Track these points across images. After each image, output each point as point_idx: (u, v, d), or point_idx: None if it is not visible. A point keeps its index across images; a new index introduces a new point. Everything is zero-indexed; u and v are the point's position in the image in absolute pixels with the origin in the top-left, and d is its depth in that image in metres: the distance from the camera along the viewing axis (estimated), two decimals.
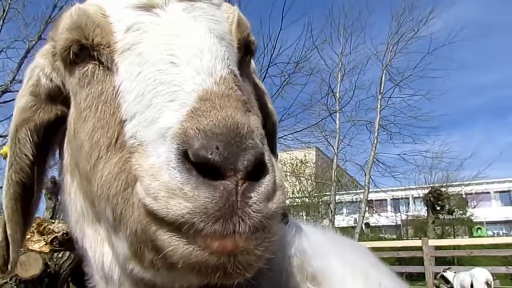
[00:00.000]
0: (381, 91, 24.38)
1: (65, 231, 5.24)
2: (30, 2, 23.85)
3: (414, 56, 24.73)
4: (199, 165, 0.66)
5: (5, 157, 1.15)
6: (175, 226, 0.68)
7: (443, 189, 28.36)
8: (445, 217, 29.24)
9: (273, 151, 1.18)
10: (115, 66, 0.92)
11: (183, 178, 0.67)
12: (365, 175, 24.00)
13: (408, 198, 39.60)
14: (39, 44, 23.41)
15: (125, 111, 0.85)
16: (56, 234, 5.13)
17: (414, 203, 37.93)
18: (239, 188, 0.66)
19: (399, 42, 24.26)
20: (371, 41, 28.00)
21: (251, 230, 0.67)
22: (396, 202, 40.29)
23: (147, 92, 0.82)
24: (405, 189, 33.90)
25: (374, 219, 34.82)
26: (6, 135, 22.66)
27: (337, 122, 24.07)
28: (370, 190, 24.61)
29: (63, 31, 0.99)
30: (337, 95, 23.90)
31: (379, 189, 26.97)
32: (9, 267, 1.10)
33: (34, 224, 5.24)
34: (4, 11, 22.26)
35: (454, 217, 30.58)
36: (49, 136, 1.14)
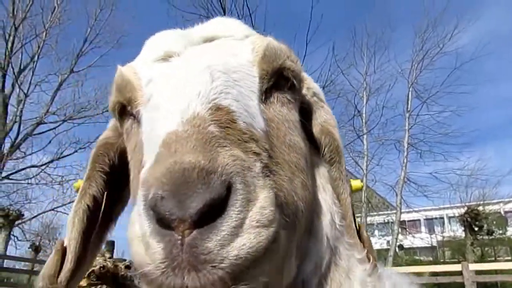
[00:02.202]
0: (409, 109, 23.97)
1: (102, 265, 5.29)
2: (63, 38, 24.88)
3: (440, 72, 24.38)
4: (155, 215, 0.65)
5: (77, 190, 1.21)
6: (145, 279, 0.67)
7: (480, 208, 27.30)
8: (484, 237, 28.04)
9: (341, 177, 1.15)
10: (140, 120, 0.97)
11: (146, 225, 0.66)
12: (396, 195, 23.44)
13: (442, 218, 38.35)
14: (71, 77, 24.40)
15: (142, 161, 0.88)
16: (93, 268, 5.18)
17: (450, 223, 36.66)
18: (185, 238, 0.62)
19: (424, 59, 23.94)
20: (395, 59, 27.73)
21: (202, 284, 0.62)
22: (430, 222, 39.02)
23: (146, 141, 0.88)
24: (439, 209, 32.89)
25: (408, 241, 33.79)
26: (41, 165, 23.53)
27: (365, 142, 23.74)
28: (402, 210, 23.97)
29: (111, 94, 1.08)
30: (364, 115, 23.66)
31: (411, 209, 26.25)
32: (61, 278, 1.09)
33: None
34: (39, 47, 23.36)
35: (494, 237, 29.30)
36: (123, 166, 1.18)
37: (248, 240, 0.64)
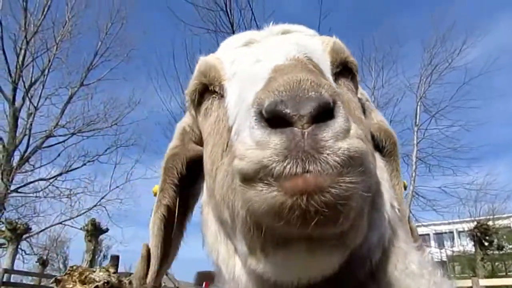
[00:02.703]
0: (417, 123, 23.77)
1: (106, 280, 5.29)
2: (73, 51, 25.22)
3: (449, 87, 24.16)
4: (271, 120, 0.72)
5: (154, 194, 1.36)
6: (257, 178, 0.72)
7: (490, 223, 26.93)
8: (494, 252, 27.61)
9: (397, 169, 1.29)
10: (225, 92, 1.10)
11: (259, 133, 0.73)
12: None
13: (452, 233, 37.86)
14: (81, 90, 24.70)
15: (231, 118, 0.98)
16: (97, 284, 5.18)
17: (459, 237, 36.17)
18: (305, 130, 0.70)
19: (433, 74, 23.74)
20: (403, 73, 27.67)
21: (322, 168, 0.68)
22: (439, 237, 38.56)
23: (241, 92, 0.96)
24: (448, 223, 32.49)
25: None
26: (50, 178, 23.68)
27: None
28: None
29: (191, 81, 1.22)
30: None
31: (420, 224, 25.95)
32: (149, 278, 1.24)
33: (76, 273, 5.32)
34: (49, 61, 23.68)
35: (504, 252, 28.83)
36: (192, 172, 1.30)
37: (355, 142, 0.72)
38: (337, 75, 1.15)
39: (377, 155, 1.21)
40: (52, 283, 5.54)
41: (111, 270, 5.78)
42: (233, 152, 0.83)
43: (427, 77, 23.86)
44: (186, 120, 1.41)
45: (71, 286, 5.20)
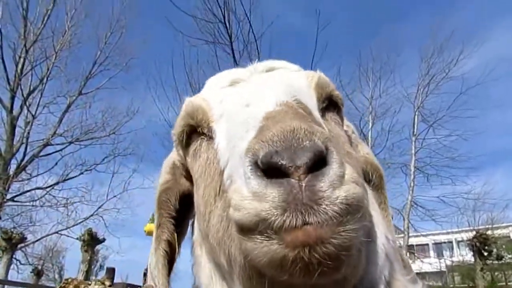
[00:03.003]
0: (415, 133, 23.84)
1: None
2: (72, 60, 25.29)
3: (446, 97, 24.18)
4: (267, 170, 0.73)
5: (148, 234, 1.27)
6: (256, 230, 0.72)
7: (489, 232, 26.81)
8: (494, 262, 27.44)
9: (385, 202, 1.30)
10: (214, 133, 1.09)
11: (256, 184, 0.74)
12: (404, 219, 23.11)
13: (451, 242, 37.69)
14: (79, 99, 24.72)
15: (222, 160, 0.99)
16: None
17: (459, 247, 36.00)
18: (302, 181, 0.70)
19: (430, 84, 23.84)
20: (401, 83, 27.73)
21: (322, 219, 0.69)
22: (438, 246, 38.36)
23: (232, 137, 0.96)
24: (447, 233, 32.34)
25: (417, 265, 33.14)
26: (47, 187, 23.58)
27: None
28: (410, 234, 23.60)
29: (178, 121, 1.21)
30: (370, 139, 23.58)
31: (419, 234, 25.84)
32: None
33: (71, 286, 5.24)
34: (48, 69, 23.74)
35: (503, 262, 28.67)
36: (185, 205, 1.31)
37: (351, 188, 0.72)
38: (323, 110, 1.17)
39: (367, 188, 1.22)
40: None
41: (107, 283, 5.71)
42: (228, 200, 0.84)
43: (424, 87, 23.98)
44: (174, 157, 1.39)
45: None
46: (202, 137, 1.14)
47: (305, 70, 1.30)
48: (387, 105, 24.20)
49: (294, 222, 0.69)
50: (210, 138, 1.11)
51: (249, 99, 1.01)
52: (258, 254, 0.72)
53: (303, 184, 0.70)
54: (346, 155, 1.00)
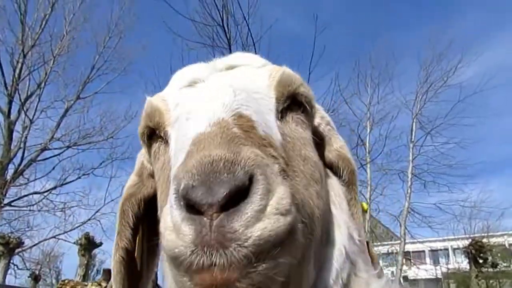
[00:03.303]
0: (412, 139, 24.00)
1: None
2: (71, 65, 25.23)
3: (444, 104, 24.39)
4: (185, 204, 0.72)
5: None
6: (176, 262, 0.73)
7: (484, 240, 26.94)
8: (489, 270, 27.53)
9: (355, 198, 1.25)
10: (169, 138, 1.07)
11: (176, 214, 0.73)
12: (400, 225, 23.17)
13: (447, 250, 37.76)
14: (77, 103, 24.69)
15: (169, 177, 0.97)
16: None
17: (454, 254, 36.07)
18: (213, 221, 0.69)
19: (429, 91, 24.08)
20: (399, 90, 27.91)
21: (229, 261, 0.68)
22: (435, 254, 38.43)
23: (175, 150, 0.96)
24: (443, 240, 32.42)
25: (413, 272, 33.18)
26: (45, 192, 23.49)
27: (368, 172, 23.64)
28: (407, 241, 23.65)
29: (140, 121, 1.19)
30: (367, 145, 23.69)
31: (415, 240, 25.90)
32: None
33: (67, 287, 5.26)
34: (46, 74, 23.69)
35: (498, 270, 28.76)
36: (151, 210, 1.26)
37: (269, 224, 0.70)
38: (285, 110, 1.11)
39: (337, 182, 1.24)
40: None
41: (103, 284, 5.72)
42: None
43: (422, 94, 24.22)
44: (144, 154, 1.35)
45: None
46: (160, 140, 1.13)
47: (272, 65, 1.23)
48: (385, 111, 24.39)
49: (201, 264, 0.68)
50: (166, 142, 1.09)
51: (190, 112, 0.98)
52: (177, 284, 0.76)
53: (214, 224, 0.68)
54: (291, 168, 0.94)
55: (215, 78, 1.13)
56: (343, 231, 1.11)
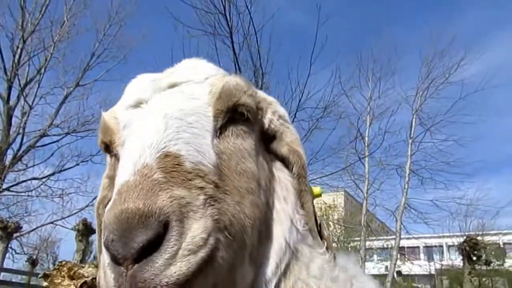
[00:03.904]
0: (412, 135, 24.03)
1: (94, 276, 5.32)
2: (71, 51, 25.19)
3: (445, 101, 24.38)
4: None
5: None
6: None
7: (479, 238, 27.09)
8: (482, 267, 27.69)
9: (305, 189, 1.32)
10: (120, 158, 1.12)
11: (105, 258, 0.84)
12: (396, 221, 23.30)
13: (442, 246, 37.99)
14: (77, 90, 24.72)
15: None
16: (86, 279, 5.21)
17: (449, 251, 36.29)
18: (128, 271, 0.79)
19: (430, 87, 24.01)
20: (400, 85, 27.88)
21: None
22: (429, 250, 38.69)
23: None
24: (438, 237, 32.60)
25: (407, 267, 33.40)
26: (43, 178, 23.59)
27: (366, 166, 23.72)
28: (402, 236, 23.79)
29: (98, 133, 1.27)
30: (366, 139, 23.75)
31: (411, 236, 26.06)
32: None
33: (64, 269, 5.35)
34: (46, 60, 23.68)
35: (491, 268, 28.95)
36: None
37: (178, 268, 0.80)
38: (224, 125, 1.15)
39: (287, 176, 1.33)
40: (40, 277, 5.56)
41: None
42: None
43: (423, 90, 24.15)
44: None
45: (59, 281, 5.24)
46: (114, 156, 1.22)
47: (215, 78, 1.24)
48: (386, 106, 24.33)
49: None
50: (118, 160, 1.15)
51: (126, 149, 1.06)
52: None
53: (128, 274, 0.79)
54: (223, 189, 1.01)
55: (155, 102, 1.16)
56: (285, 225, 1.20)
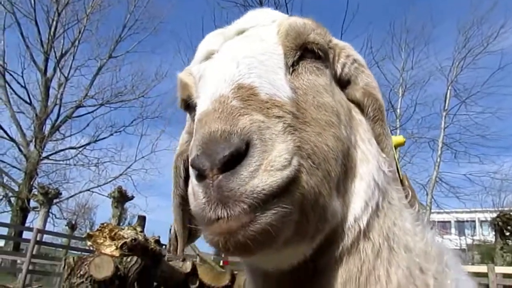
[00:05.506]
0: (446, 108, 23.35)
1: (133, 237, 5.60)
2: (103, 24, 25.57)
3: (482, 72, 23.55)
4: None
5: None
6: (197, 220, 0.90)
7: None
8: None
9: (383, 133, 1.30)
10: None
11: (193, 181, 0.89)
12: (427, 194, 23.04)
13: (474, 221, 37.34)
14: (109, 62, 25.18)
15: None
16: (126, 240, 5.49)
17: (481, 226, 35.66)
18: (214, 182, 0.82)
19: (467, 57, 23.11)
20: (435, 56, 26.97)
21: (229, 214, 0.82)
22: (461, 225, 38.10)
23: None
24: (470, 212, 32.01)
25: None
26: (79, 147, 24.47)
27: None
28: (432, 210, 23.55)
29: (177, 93, 1.33)
30: (398, 111, 23.29)
31: (442, 210, 25.73)
32: (178, 252, 1.49)
33: (106, 230, 5.66)
34: (80, 32, 24.14)
35: None
36: None
37: (262, 181, 0.83)
38: (296, 62, 1.16)
39: (364, 120, 1.30)
40: (84, 237, 5.90)
41: (138, 228, 6.09)
42: None
43: (460, 60, 23.28)
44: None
45: (101, 241, 5.56)
46: (193, 109, 1.22)
47: (280, 19, 1.26)
48: (419, 77, 23.76)
49: (210, 218, 0.83)
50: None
51: (202, 90, 1.10)
52: (204, 237, 0.91)
53: (214, 185, 0.82)
54: (303, 120, 1.01)
55: (225, 48, 1.20)
56: (372, 165, 1.18)
